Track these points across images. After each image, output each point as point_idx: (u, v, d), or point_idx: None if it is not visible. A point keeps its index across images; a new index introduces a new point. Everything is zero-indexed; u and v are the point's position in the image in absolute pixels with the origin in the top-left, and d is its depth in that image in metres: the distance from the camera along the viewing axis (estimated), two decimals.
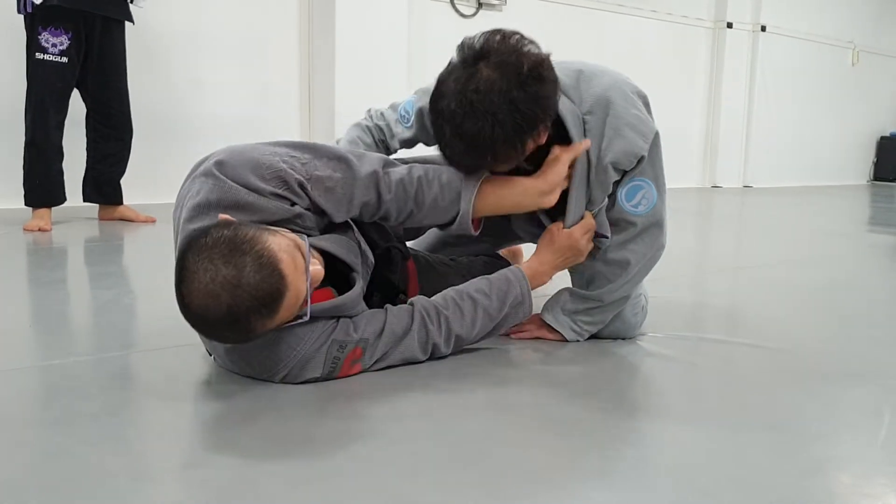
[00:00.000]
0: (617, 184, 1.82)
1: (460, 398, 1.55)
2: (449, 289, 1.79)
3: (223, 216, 1.45)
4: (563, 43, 6.64)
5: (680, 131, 7.94)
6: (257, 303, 1.32)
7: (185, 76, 4.98)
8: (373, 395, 1.55)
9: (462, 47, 1.65)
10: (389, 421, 1.42)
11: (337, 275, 1.67)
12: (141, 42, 4.71)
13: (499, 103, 1.57)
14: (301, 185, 1.55)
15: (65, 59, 3.71)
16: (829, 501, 1.17)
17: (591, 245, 1.88)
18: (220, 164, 1.53)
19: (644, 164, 1.80)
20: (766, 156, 8.54)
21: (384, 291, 1.89)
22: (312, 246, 1.52)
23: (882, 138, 10.46)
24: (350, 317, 1.64)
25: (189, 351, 1.80)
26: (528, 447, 1.33)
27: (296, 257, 1.40)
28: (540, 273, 1.88)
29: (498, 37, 1.63)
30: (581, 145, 1.77)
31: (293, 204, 1.55)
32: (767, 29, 8.25)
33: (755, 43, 8.26)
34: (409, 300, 1.75)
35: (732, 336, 2.10)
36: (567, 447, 1.33)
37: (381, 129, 2.07)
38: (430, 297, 1.77)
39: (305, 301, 1.43)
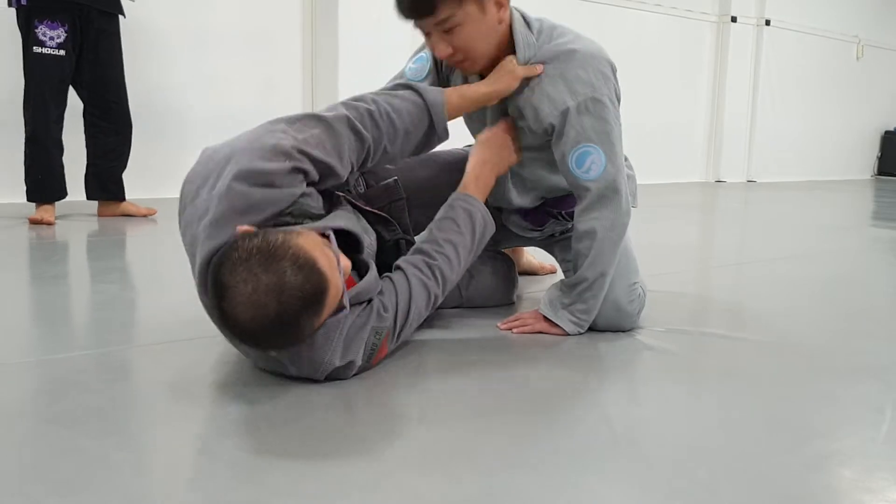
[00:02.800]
0: (556, 140, 1.88)
1: (460, 394, 1.55)
2: (422, 239, 1.81)
3: (241, 228, 1.42)
4: None
5: (684, 126, 7.93)
6: (304, 303, 1.33)
7: (188, 70, 4.99)
8: (370, 391, 1.56)
9: None
10: (391, 420, 1.43)
11: (346, 250, 1.67)
12: (145, 36, 4.72)
13: None
14: (298, 150, 1.55)
15: (62, 52, 3.72)
16: (830, 497, 1.17)
17: (518, 150, 1.97)
18: (236, 177, 1.50)
19: (589, 131, 1.84)
20: (770, 150, 8.53)
21: None
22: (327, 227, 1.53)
23: (886, 133, 10.44)
24: (370, 300, 1.65)
25: (192, 345, 1.81)
26: (525, 441, 1.33)
27: (327, 253, 1.40)
28: (482, 176, 1.92)
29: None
30: (536, 69, 1.86)
31: (301, 171, 1.55)
32: (772, 23, 8.23)
33: (759, 37, 8.24)
34: (395, 263, 1.77)
35: (734, 331, 2.09)
36: (565, 442, 1.33)
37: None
38: None
39: (343, 293, 1.45)
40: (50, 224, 3.71)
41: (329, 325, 1.52)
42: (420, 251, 1.78)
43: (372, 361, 1.64)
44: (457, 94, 1.86)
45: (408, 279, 1.72)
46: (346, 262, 1.47)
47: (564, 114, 1.83)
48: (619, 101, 1.91)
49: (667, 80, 7.68)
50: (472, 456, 1.26)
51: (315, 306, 1.35)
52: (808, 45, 8.73)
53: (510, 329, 1.99)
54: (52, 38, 3.67)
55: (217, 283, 1.33)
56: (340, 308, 1.46)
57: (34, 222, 3.68)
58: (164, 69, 4.89)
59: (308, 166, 1.55)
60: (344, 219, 1.65)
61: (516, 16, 1.89)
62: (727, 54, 8.07)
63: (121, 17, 3.97)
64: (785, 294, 2.67)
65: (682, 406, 1.54)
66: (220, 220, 1.48)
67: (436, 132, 1.81)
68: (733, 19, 8.01)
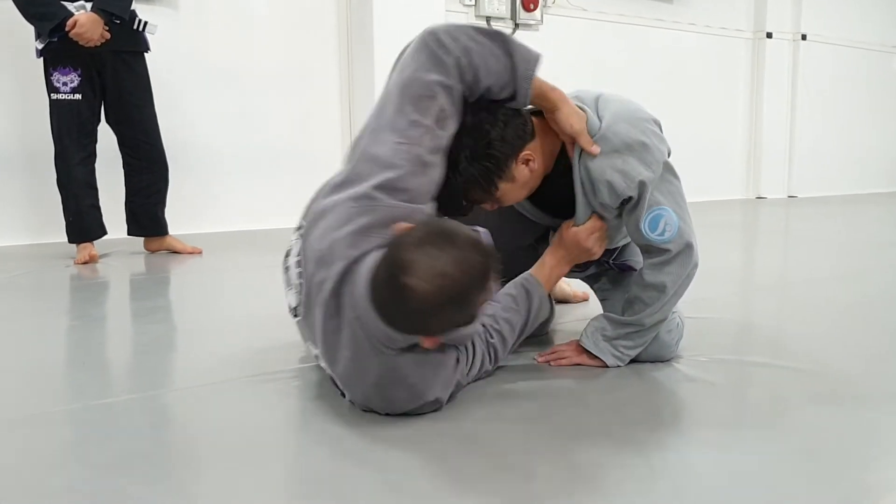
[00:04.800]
0: (630, 210, 1.85)
1: (498, 421, 1.57)
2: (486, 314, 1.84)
3: (400, 225, 1.51)
4: (602, 59, 6.71)
5: (722, 143, 7.88)
6: (477, 276, 1.42)
7: (228, 107, 5.07)
8: (405, 428, 1.58)
9: None
10: (432, 439, 1.45)
11: None
12: (186, 75, 4.82)
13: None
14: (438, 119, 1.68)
15: (78, 96, 3.78)
16: None
17: (601, 246, 1.94)
18: (378, 186, 1.60)
19: (656, 193, 1.82)
20: (810, 165, 8.43)
21: None
22: None
23: None
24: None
25: (238, 386, 1.84)
26: (561, 472, 1.34)
27: (488, 242, 1.51)
28: (552, 274, 1.94)
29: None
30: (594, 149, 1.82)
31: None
32: (808, 37, 8.16)
33: (796, 52, 8.17)
34: None
35: (775, 359, 2.07)
36: (600, 471, 1.34)
37: None
38: None
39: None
40: (94, 258, 3.82)
41: (435, 360, 1.59)
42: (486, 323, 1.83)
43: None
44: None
45: (474, 341, 1.76)
46: None
47: (642, 185, 1.80)
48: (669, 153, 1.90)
49: (705, 98, 7.65)
50: (503, 476, 1.27)
51: (483, 281, 1.44)
52: (845, 58, 8.63)
53: (548, 362, 2.00)
54: (65, 84, 3.75)
55: (397, 260, 1.41)
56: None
57: (79, 263, 3.78)
58: (201, 104, 4.96)
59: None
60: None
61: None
62: (764, 70, 8.01)
63: (147, 54, 3.99)
64: (828, 317, 2.64)
65: (718, 438, 1.54)
66: (366, 228, 1.58)
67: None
68: (769, 35, 7.95)
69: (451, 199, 1.75)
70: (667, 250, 1.86)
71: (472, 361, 1.75)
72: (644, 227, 1.83)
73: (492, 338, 1.81)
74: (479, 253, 1.43)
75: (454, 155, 1.72)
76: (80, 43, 3.65)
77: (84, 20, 3.63)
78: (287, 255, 1.80)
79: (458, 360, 1.67)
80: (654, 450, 1.47)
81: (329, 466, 1.39)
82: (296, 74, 5.33)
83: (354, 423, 1.58)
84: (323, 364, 1.71)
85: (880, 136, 9.31)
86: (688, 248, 1.87)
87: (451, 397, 1.69)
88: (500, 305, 1.85)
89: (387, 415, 1.61)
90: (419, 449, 1.47)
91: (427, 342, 1.51)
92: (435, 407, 1.63)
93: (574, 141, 1.82)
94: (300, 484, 1.33)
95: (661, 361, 2.00)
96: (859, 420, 1.64)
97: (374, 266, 1.48)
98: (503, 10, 6.15)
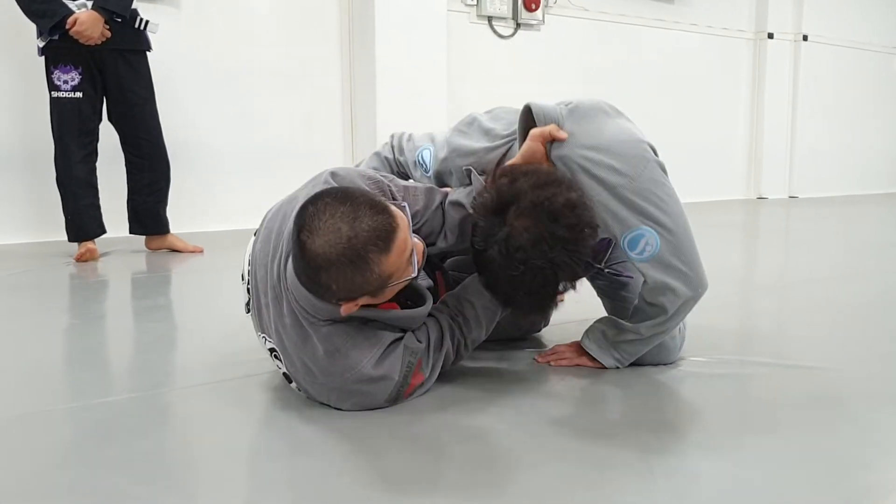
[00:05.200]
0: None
1: (496, 420, 1.57)
2: (452, 295, 1.84)
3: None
4: (604, 59, 6.71)
5: (723, 143, 7.88)
6: (374, 235, 1.44)
7: (229, 105, 5.07)
8: (400, 424, 1.58)
9: (483, 205, 1.65)
10: (431, 447, 1.45)
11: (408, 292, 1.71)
12: (188, 74, 4.82)
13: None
14: (391, 194, 1.73)
15: (79, 94, 3.79)
16: None
17: None
18: (333, 174, 1.72)
19: (650, 208, 1.77)
20: (811, 165, 8.42)
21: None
22: None
23: None
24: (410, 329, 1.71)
25: (238, 385, 1.84)
26: (560, 472, 1.34)
27: (402, 215, 1.52)
28: None
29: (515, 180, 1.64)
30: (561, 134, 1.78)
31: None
32: (809, 38, 8.16)
33: (797, 52, 8.17)
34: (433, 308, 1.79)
35: (775, 359, 2.07)
36: (601, 474, 1.34)
37: (399, 165, 2.14)
38: None
39: (412, 253, 1.54)
40: (93, 258, 3.81)
41: (369, 333, 1.60)
42: (452, 301, 1.83)
43: (407, 387, 1.67)
44: None
45: (439, 321, 1.77)
46: (420, 244, 1.59)
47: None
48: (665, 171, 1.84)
49: (705, 98, 7.64)
50: (502, 484, 1.27)
51: (384, 243, 1.45)
52: (846, 59, 8.63)
53: (548, 362, 2.00)
54: (66, 82, 3.76)
55: (297, 221, 1.46)
56: (408, 271, 1.54)
57: (79, 259, 3.78)
58: (202, 104, 4.97)
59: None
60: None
61: None
62: (765, 71, 8.00)
63: (149, 53, 4.01)
64: (828, 317, 2.64)
65: (719, 439, 1.54)
66: None
67: None
68: (770, 36, 7.95)
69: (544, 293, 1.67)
70: (664, 309, 1.84)
71: (430, 335, 1.72)
72: (623, 243, 1.78)
73: (457, 319, 1.79)
74: (379, 212, 1.45)
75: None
76: (81, 41, 3.66)
77: (84, 18, 3.64)
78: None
79: (400, 341, 1.65)
80: (655, 451, 1.47)
81: (330, 466, 1.39)
82: (297, 73, 5.33)
83: (355, 422, 1.58)
84: (276, 361, 1.73)
85: (881, 136, 9.31)
86: (692, 299, 1.84)
87: (431, 369, 1.71)
88: (463, 288, 1.84)
89: (373, 409, 1.62)
90: (418, 448, 1.47)
91: (343, 308, 1.53)
92: (385, 387, 1.62)
93: (543, 144, 1.79)
94: (301, 483, 1.33)
95: (664, 364, 2.00)
96: (860, 421, 1.64)
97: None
98: (504, 9, 6.15)
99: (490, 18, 6.13)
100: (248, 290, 1.80)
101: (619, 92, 6.72)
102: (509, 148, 1.94)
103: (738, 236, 5.28)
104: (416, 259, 1.55)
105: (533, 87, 6.31)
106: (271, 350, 1.71)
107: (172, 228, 4.19)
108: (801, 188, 8.40)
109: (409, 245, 1.52)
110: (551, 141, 1.78)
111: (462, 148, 2.01)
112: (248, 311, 1.81)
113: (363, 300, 1.53)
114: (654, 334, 1.90)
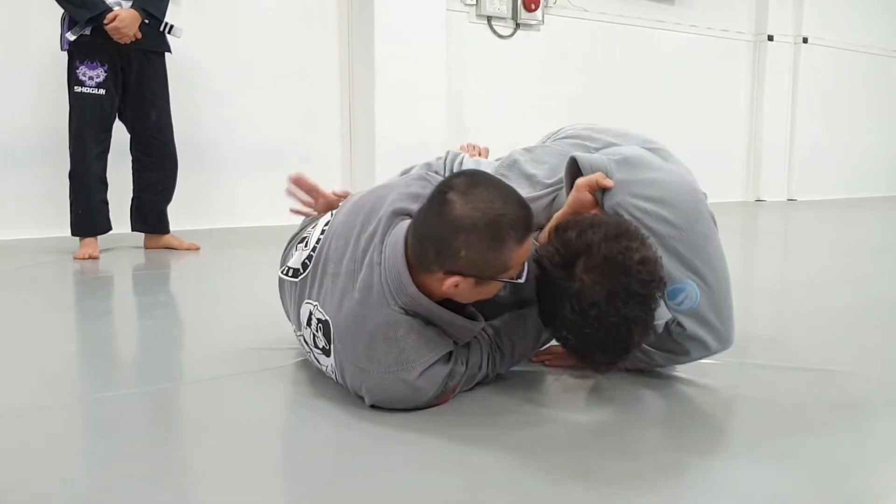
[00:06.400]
0: None
1: (496, 422, 1.57)
2: (494, 327, 1.79)
3: None
4: (603, 60, 6.71)
5: (722, 145, 7.88)
6: (519, 222, 1.49)
7: (229, 106, 5.07)
8: (401, 428, 1.57)
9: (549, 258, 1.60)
10: (432, 436, 1.45)
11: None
12: (187, 73, 4.81)
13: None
14: None
15: (102, 91, 3.80)
16: None
17: None
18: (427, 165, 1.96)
19: (695, 261, 1.77)
20: (810, 168, 8.43)
21: None
22: None
23: None
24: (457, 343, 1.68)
25: (240, 381, 1.84)
26: (561, 478, 1.34)
27: None
28: None
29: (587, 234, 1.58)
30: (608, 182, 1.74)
31: None
32: (809, 40, 8.17)
33: (797, 55, 8.18)
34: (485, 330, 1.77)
35: (774, 361, 2.08)
36: (600, 479, 1.34)
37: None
38: None
39: (525, 264, 1.55)
40: (94, 258, 3.80)
41: (431, 335, 1.59)
42: (487, 333, 1.78)
43: (431, 404, 1.64)
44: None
45: (482, 349, 1.73)
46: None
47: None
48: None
49: (705, 100, 7.65)
50: (503, 488, 1.27)
51: (524, 233, 1.50)
52: (846, 62, 8.64)
53: (542, 362, 1.99)
54: (91, 78, 3.77)
55: (444, 184, 1.54)
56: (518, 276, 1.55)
57: (79, 258, 3.77)
58: (206, 105, 4.97)
59: None
60: None
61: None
62: (764, 73, 8.01)
63: (167, 54, 4.05)
64: (827, 321, 2.64)
65: (716, 442, 1.54)
66: (415, 196, 1.70)
67: None
68: (770, 38, 7.96)
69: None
70: (688, 353, 1.83)
71: (468, 368, 1.69)
72: (665, 293, 1.71)
73: (495, 352, 1.77)
74: (523, 208, 1.51)
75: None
76: (115, 38, 3.68)
77: (125, 15, 3.67)
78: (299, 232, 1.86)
79: (450, 356, 1.64)
80: (653, 453, 1.47)
81: (331, 463, 1.39)
82: (297, 72, 5.33)
83: (356, 420, 1.58)
84: (309, 341, 1.72)
85: (880, 139, 9.32)
86: (716, 351, 1.84)
87: (439, 400, 1.66)
88: (508, 324, 1.80)
89: (381, 409, 1.61)
90: (419, 447, 1.47)
91: (447, 282, 1.51)
92: (417, 396, 1.60)
93: (591, 192, 1.74)
94: (302, 480, 1.32)
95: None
96: (859, 423, 1.64)
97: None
98: (504, 9, 6.15)
99: (489, 18, 6.13)
100: (308, 256, 1.77)
101: (618, 93, 6.74)
102: (555, 198, 1.90)
103: (736, 239, 5.28)
104: (526, 267, 1.55)
105: (532, 88, 6.32)
106: (311, 322, 1.70)
107: (171, 226, 4.20)
108: (799, 191, 8.41)
109: (530, 249, 1.54)
110: (600, 190, 1.75)
111: None
112: (288, 274, 1.83)
113: (468, 282, 1.52)
114: (665, 363, 1.89)
